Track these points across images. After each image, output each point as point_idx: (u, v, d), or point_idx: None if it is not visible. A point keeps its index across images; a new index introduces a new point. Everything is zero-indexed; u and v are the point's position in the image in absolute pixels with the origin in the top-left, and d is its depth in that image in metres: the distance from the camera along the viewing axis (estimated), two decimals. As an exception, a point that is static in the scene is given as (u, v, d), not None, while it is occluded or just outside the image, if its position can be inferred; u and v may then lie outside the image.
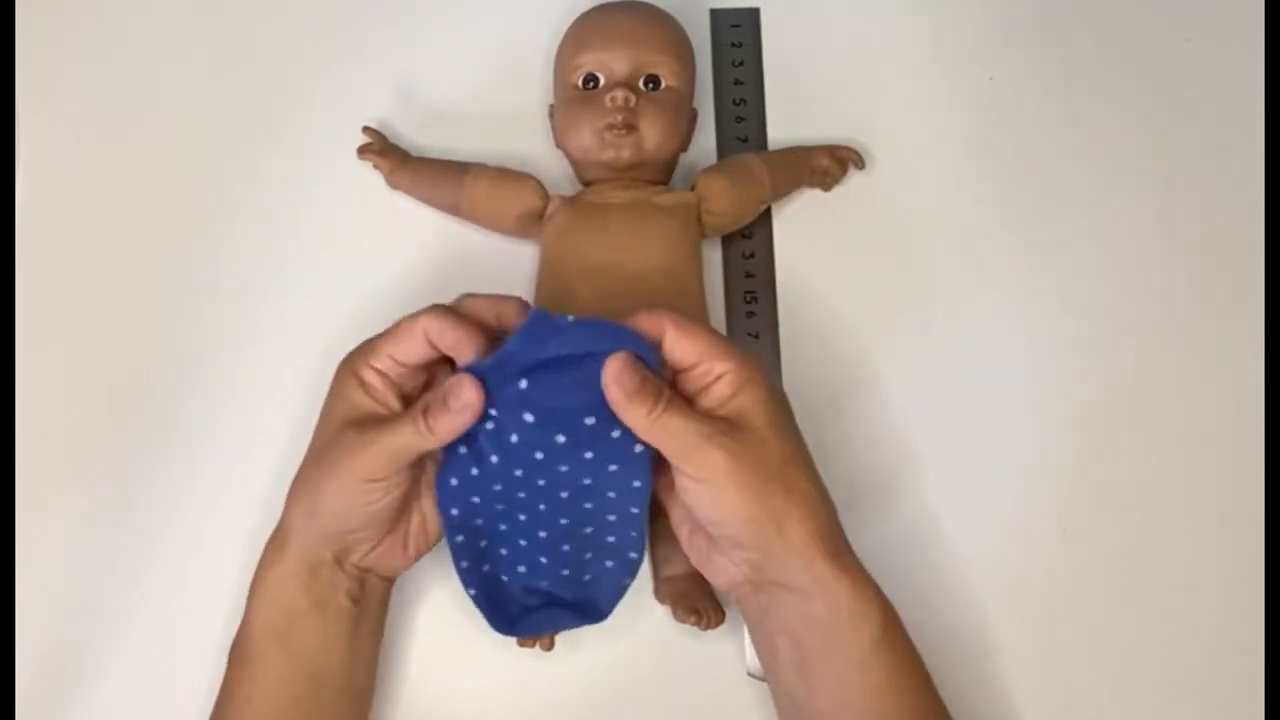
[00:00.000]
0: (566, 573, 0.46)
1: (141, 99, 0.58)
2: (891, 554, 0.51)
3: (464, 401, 0.41)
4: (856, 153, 0.55)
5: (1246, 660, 0.49)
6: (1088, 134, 0.58)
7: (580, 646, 0.49)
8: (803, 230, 0.56)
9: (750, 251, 0.55)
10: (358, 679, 0.46)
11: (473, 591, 0.46)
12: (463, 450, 0.43)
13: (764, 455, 0.41)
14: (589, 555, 0.46)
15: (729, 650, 0.49)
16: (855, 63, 0.59)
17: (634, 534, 0.45)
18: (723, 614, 0.47)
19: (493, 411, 0.41)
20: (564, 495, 0.43)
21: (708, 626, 0.47)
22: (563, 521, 0.44)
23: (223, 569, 0.50)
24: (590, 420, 0.41)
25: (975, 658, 0.50)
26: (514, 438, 0.42)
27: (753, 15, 0.59)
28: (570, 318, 0.41)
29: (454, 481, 0.44)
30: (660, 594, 0.49)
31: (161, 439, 0.52)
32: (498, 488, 0.44)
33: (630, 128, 0.50)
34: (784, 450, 0.42)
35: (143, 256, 0.55)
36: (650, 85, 0.51)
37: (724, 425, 0.41)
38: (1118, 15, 0.60)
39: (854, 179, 0.57)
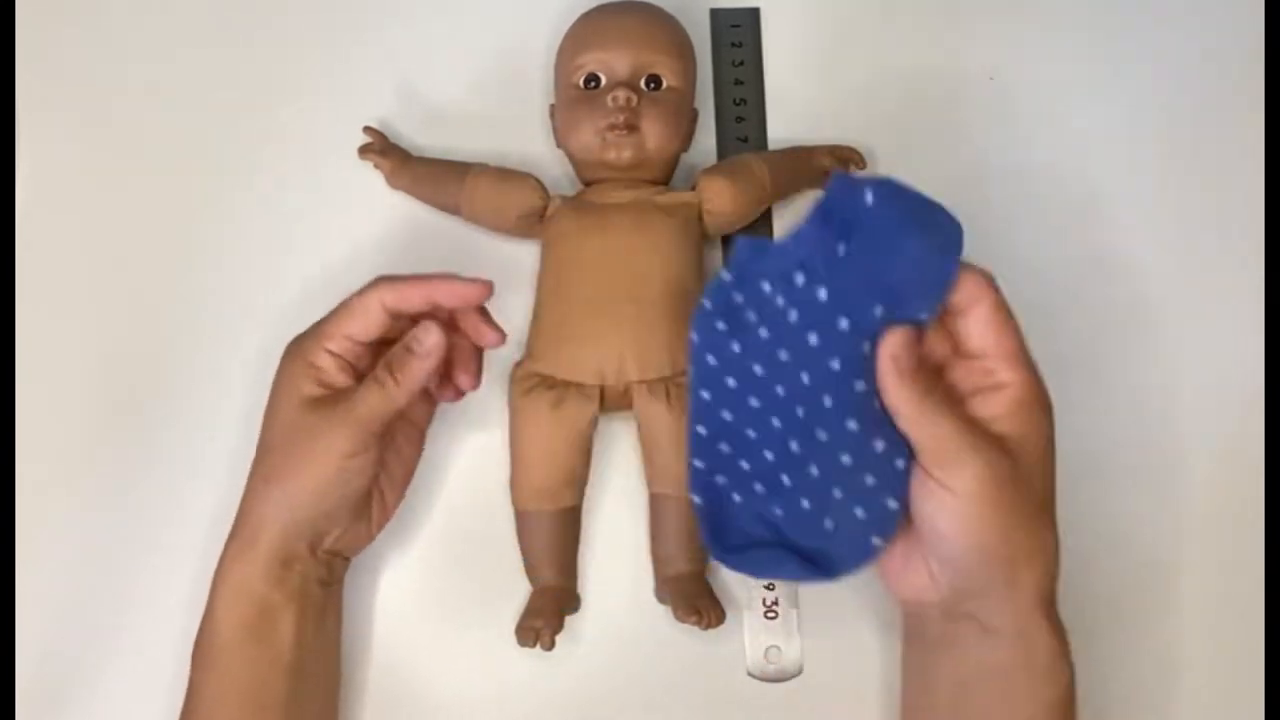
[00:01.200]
0: (808, 505, 0.40)
1: (141, 99, 0.58)
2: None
3: (428, 347, 0.43)
4: (858, 153, 0.55)
5: (1246, 660, 0.49)
6: (1087, 134, 0.58)
7: (580, 645, 0.49)
8: (803, 230, 0.56)
9: (750, 251, 0.55)
10: (329, 663, 0.46)
11: (698, 500, 0.42)
12: (721, 325, 0.40)
13: (1025, 489, 0.38)
14: (839, 494, 0.39)
15: (729, 650, 0.49)
16: (855, 63, 0.59)
17: (900, 475, 0.38)
18: (723, 614, 0.47)
19: (766, 286, 0.39)
20: (828, 403, 0.38)
21: (708, 626, 0.47)
22: (821, 436, 0.39)
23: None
24: (879, 311, 0.37)
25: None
26: (793, 314, 0.38)
27: (753, 15, 0.59)
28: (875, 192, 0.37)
29: (711, 360, 0.40)
30: (661, 593, 0.49)
31: (162, 439, 0.52)
32: (758, 370, 0.40)
33: (632, 128, 0.50)
34: (1046, 491, 0.39)
35: (143, 256, 0.55)
36: (652, 85, 0.51)
37: (993, 440, 0.38)
38: (1118, 14, 0.60)
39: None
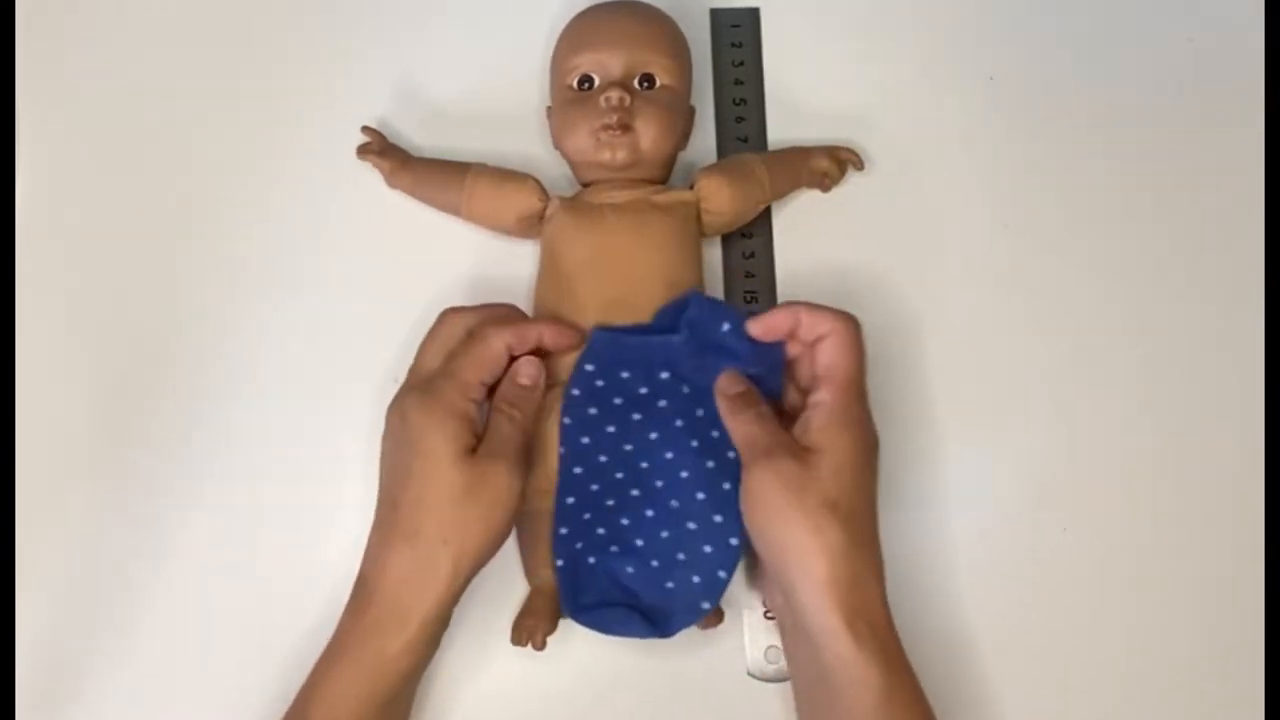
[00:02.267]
0: (656, 564, 0.45)
1: (141, 99, 0.58)
2: (891, 553, 0.51)
3: (535, 379, 0.46)
4: (856, 154, 0.55)
5: (1247, 660, 0.49)
6: (1088, 134, 0.58)
7: (580, 646, 0.49)
8: (803, 230, 0.56)
9: (750, 251, 0.55)
10: None
11: (560, 563, 0.46)
12: (593, 411, 0.47)
13: (815, 489, 0.41)
14: (682, 556, 0.45)
15: (729, 650, 0.49)
16: (855, 63, 0.59)
17: (731, 542, 0.45)
18: (721, 614, 0.47)
19: (625, 374, 0.47)
20: (684, 475, 0.46)
21: (706, 626, 0.47)
22: (674, 505, 0.45)
23: (224, 569, 0.50)
24: (685, 389, 0.47)
25: (975, 657, 0.50)
26: (662, 402, 0.47)
27: (753, 15, 0.59)
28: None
29: (584, 440, 0.47)
30: None
31: (162, 439, 0.52)
32: (627, 448, 0.47)
33: (625, 128, 0.49)
34: (842, 496, 0.42)
35: (143, 256, 0.55)
36: (645, 85, 0.51)
37: (795, 450, 0.42)
38: (1118, 15, 0.60)
39: (854, 179, 0.57)
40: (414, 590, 0.42)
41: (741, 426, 0.44)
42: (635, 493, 0.46)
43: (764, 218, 0.55)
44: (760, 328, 0.46)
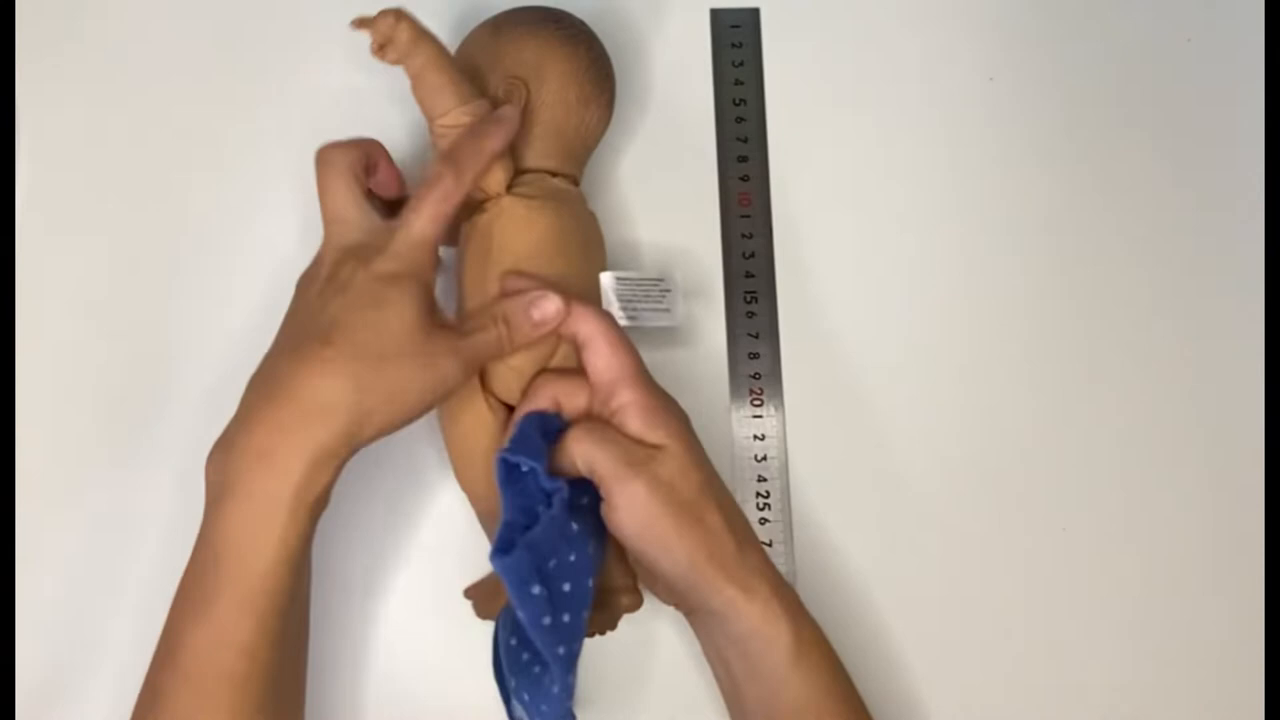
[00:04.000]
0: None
1: (141, 99, 0.58)
2: (892, 552, 0.51)
3: (549, 316, 0.44)
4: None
5: (1247, 660, 0.49)
6: (1087, 134, 0.58)
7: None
8: (803, 230, 0.56)
9: (750, 251, 0.55)
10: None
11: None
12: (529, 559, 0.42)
13: (675, 487, 0.42)
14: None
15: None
16: (855, 63, 0.59)
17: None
18: (640, 597, 0.47)
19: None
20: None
21: (628, 609, 0.47)
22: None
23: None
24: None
25: (974, 656, 0.50)
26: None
27: (753, 15, 0.59)
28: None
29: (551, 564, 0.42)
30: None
31: (162, 439, 0.52)
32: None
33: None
34: (695, 483, 0.42)
35: (143, 256, 0.55)
36: None
37: (648, 454, 0.42)
38: (1118, 16, 0.60)
39: (854, 179, 0.57)
40: (329, 422, 0.40)
41: (591, 450, 0.42)
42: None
43: (764, 217, 0.55)
44: (539, 312, 0.44)
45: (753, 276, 0.55)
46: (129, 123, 0.57)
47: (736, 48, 0.59)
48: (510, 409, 0.47)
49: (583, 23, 0.52)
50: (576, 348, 0.45)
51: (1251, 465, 0.52)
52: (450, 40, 0.53)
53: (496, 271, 0.47)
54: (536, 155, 0.49)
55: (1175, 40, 0.60)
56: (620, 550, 0.47)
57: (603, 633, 0.47)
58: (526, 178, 0.49)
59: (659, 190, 0.55)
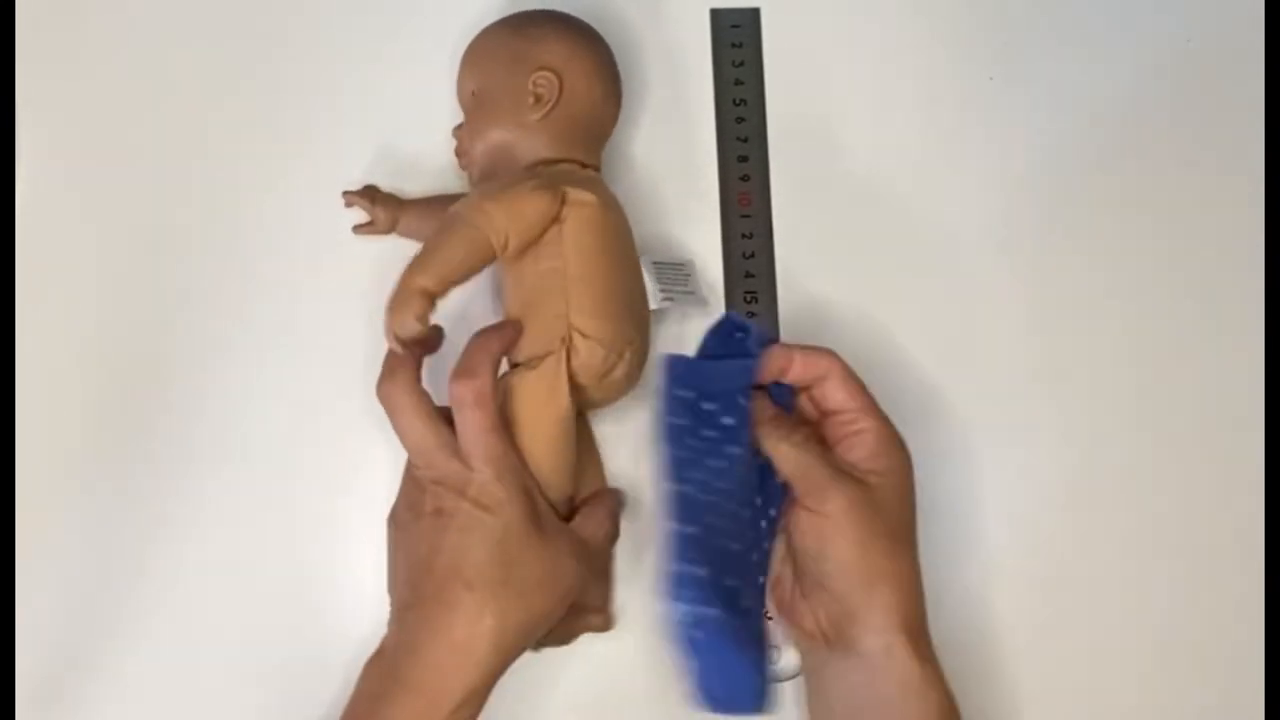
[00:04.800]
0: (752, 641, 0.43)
1: (142, 99, 0.57)
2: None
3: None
4: None
5: (1247, 660, 0.49)
6: (1088, 134, 0.58)
7: (579, 646, 0.49)
8: (803, 230, 0.56)
9: (750, 251, 0.55)
10: None
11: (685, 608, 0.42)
12: (682, 422, 0.44)
13: (883, 515, 0.42)
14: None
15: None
16: (855, 63, 0.59)
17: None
18: (612, 619, 0.49)
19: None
20: (758, 501, 0.44)
21: (600, 629, 0.48)
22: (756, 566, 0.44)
23: (223, 569, 0.50)
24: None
25: (979, 655, 0.50)
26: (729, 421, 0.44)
27: (753, 15, 0.59)
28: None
29: (675, 450, 0.44)
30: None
31: (162, 439, 0.52)
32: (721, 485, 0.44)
33: (463, 154, 0.52)
34: (903, 521, 0.43)
35: (143, 257, 0.55)
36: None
37: (856, 474, 0.43)
38: (1118, 16, 0.60)
39: (854, 179, 0.57)
40: (451, 670, 0.41)
41: (793, 451, 0.43)
42: (735, 546, 0.44)
43: (764, 217, 0.55)
44: (775, 359, 0.45)
45: (753, 276, 0.55)
46: (129, 123, 0.57)
47: (736, 48, 0.59)
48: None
49: (590, 27, 0.54)
50: (807, 386, 0.46)
51: (1252, 465, 0.52)
52: (457, 43, 0.53)
53: (558, 289, 0.46)
54: (568, 146, 0.50)
55: (1175, 41, 0.60)
56: (603, 570, 0.48)
57: (558, 645, 0.48)
58: (562, 167, 0.50)
59: (659, 190, 0.55)
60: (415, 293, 0.43)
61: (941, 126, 0.58)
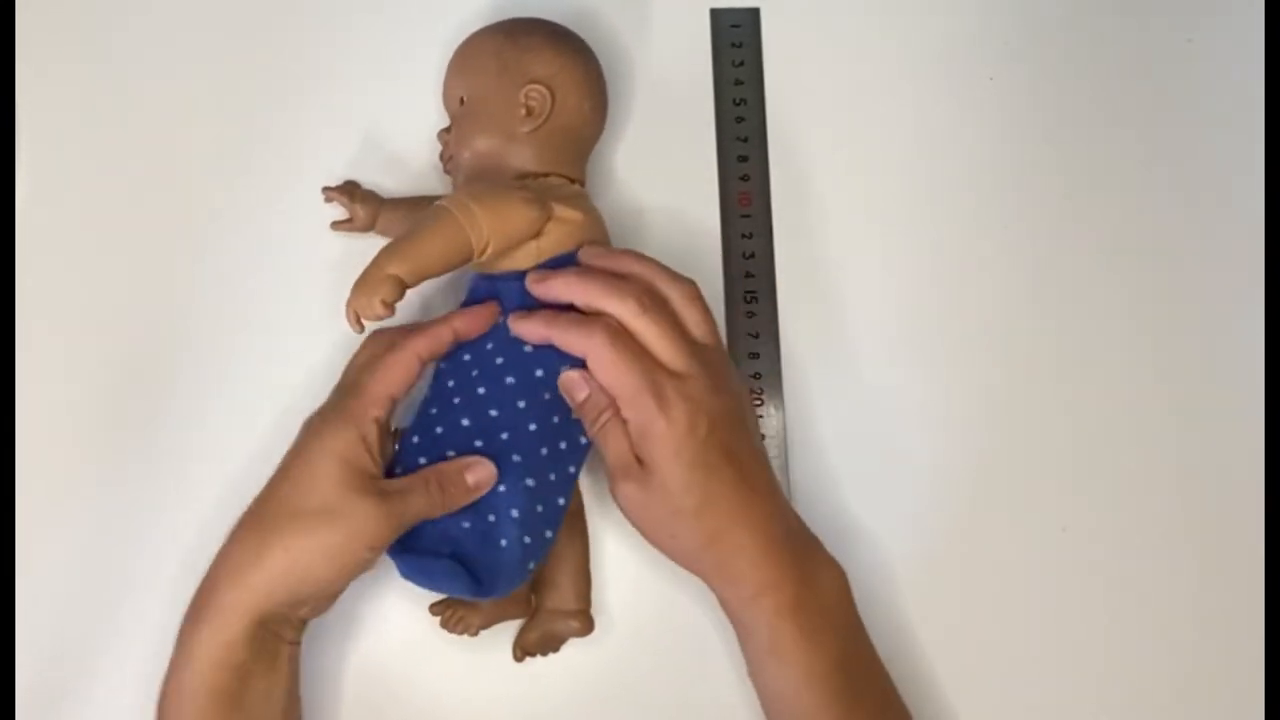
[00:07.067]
0: (492, 519, 0.44)
1: (142, 99, 0.57)
2: (891, 552, 0.51)
3: (482, 481, 0.43)
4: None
5: (1246, 660, 0.49)
6: (1088, 134, 0.58)
7: (579, 645, 0.49)
8: (803, 230, 0.56)
9: (750, 251, 0.55)
10: (295, 713, 0.45)
11: None
12: (466, 356, 0.46)
13: (654, 505, 0.43)
14: (515, 513, 0.44)
15: (729, 650, 0.49)
16: (855, 63, 0.59)
17: (559, 502, 0.45)
18: (591, 623, 0.49)
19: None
20: (520, 405, 0.45)
21: (577, 634, 0.48)
22: (515, 459, 0.44)
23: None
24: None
25: (974, 656, 0.50)
26: (499, 359, 0.46)
27: (753, 15, 0.59)
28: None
29: (450, 383, 0.46)
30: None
31: (161, 439, 0.52)
32: (480, 390, 0.45)
33: (449, 158, 0.51)
34: (681, 500, 0.43)
35: (144, 256, 0.55)
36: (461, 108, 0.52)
37: (632, 469, 0.43)
38: (1118, 16, 0.60)
39: (854, 179, 0.57)
40: (245, 581, 0.41)
41: (596, 439, 0.45)
42: (479, 443, 0.44)
43: (764, 217, 0.55)
44: (524, 331, 0.45)
45: (753, 276, 0.55)
46: (129, 123, 0.57)
47: (736, 48, 0.59)
48: None
49: (581, 39, 0.53)
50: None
51: (1252, 464, 0.52)
52: (442, 41, 0.53)
53: None
54: (555, 160, 0.50)
55: (1175, 40, 0.60)
56: (577, 573, 0.48)
57: (544, 654, 0.48)
58: (550, 180, 0.49)
59: (658, 190, 0.55)
60: (387, 278, 0.43)
61: (942, 126, 0.58)
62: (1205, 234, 0.56)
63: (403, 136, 0.56)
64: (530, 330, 0.45)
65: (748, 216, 0.56)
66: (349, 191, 0.54)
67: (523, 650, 0.49)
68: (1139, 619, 0.51)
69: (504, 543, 0.43)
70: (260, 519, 0.42)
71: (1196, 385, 0.54)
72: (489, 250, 0.45)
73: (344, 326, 0.51)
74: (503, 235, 0.45)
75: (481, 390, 0.45)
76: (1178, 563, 0.52)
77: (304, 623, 0.44)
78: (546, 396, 0.45)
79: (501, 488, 0.44)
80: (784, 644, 0.43)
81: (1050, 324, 0.55)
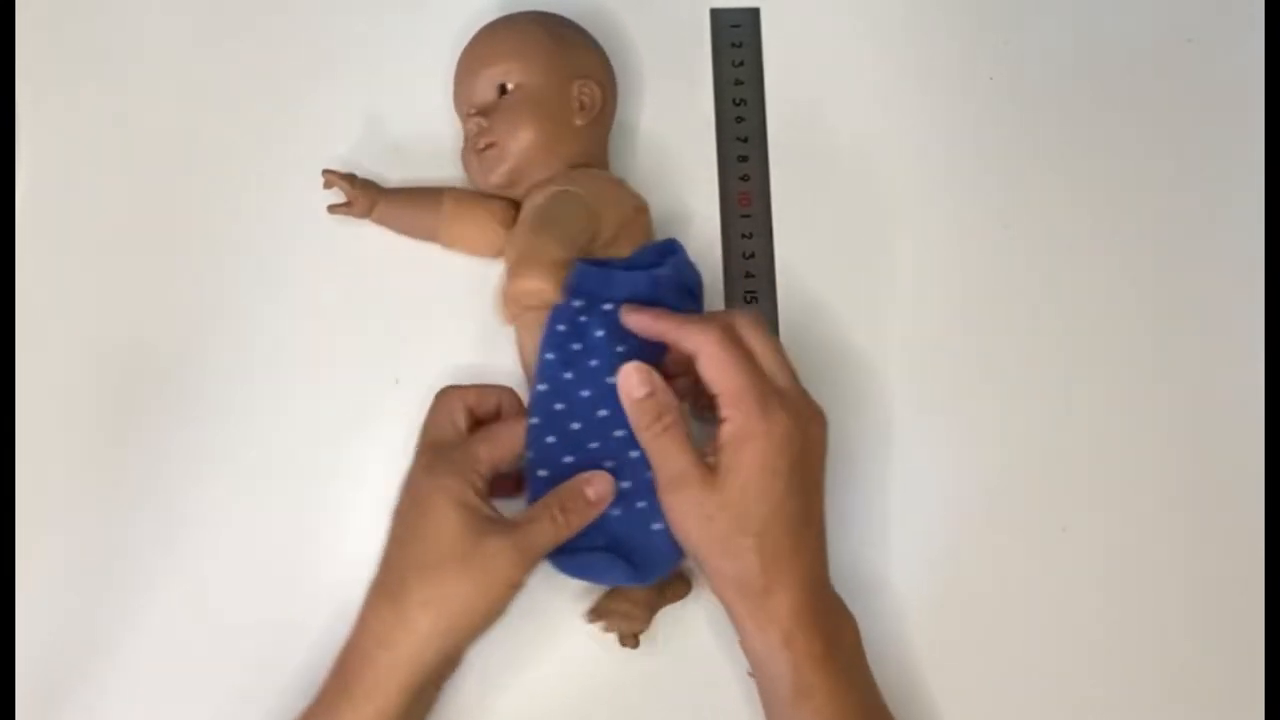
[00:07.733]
0: (642, 505, 0.44)
1: (141, 99, 0.58)
2: (891, 552, 0.51)
3: (602, 495, 0.44)
4: None
5: (1246, 660, 0.49)
6: (1087, 134, 0.58)
7: (580, 645, 0.49)
8: (803, 230, 0.56)
9: (750, 251, 0.55)
10: None
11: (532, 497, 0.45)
12: (576, 346, 0.46)
13: (720, 519, 0.42)
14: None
15: (729, 650, 0.49)
16: (855, 62, 0.59)
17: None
18: (689, 584, 0.48)
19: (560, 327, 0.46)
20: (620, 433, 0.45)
21: (673, 599, 0.48)
22: (633, 454, 0.44)
23: (225, 569, 0.50)
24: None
25: (974, 656, 0.50)
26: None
27: (753, 15, 0.59)
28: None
29: (568, 375, 0.46)
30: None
31: (162, 439, 0.52)
32: (594, 363, 0.45)
33: (489, 145, 0.51)
34: (746, 517, 0.42)
35: (144, 255, 0.55)
36: (505, 95, 0.52)
37: (700, 473, 0.42)
38: (1118, 16, 0.60)
39: (854, 179, 0.57)
40: (389, 654, 0.41)
41: (649, 443, 0.44)
42: (619, 433, 0.45)
43: (764, 217, 0.55)
44: (635, 323, 0.45)
45: (753, 276, 0.55)
46: (129, 123, 0.57)
47: (736, 48, 0.59)
48: None
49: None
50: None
51: (1252, 464, 0.52)
52: (459, 34, 0.53)
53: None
54: (596, 153, 0.53)
55: (1175, 40, 0.60)
56: None
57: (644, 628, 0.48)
58: (592, 170, 0.52)
59: (659, 190, 0.55)
60: (553, 262, 0.46)
61: (941, 126, 0.58)
62: (1205, 234, 0.56)
63: (403, 127, 0.56)
64: (641, 322, 0.45)
65: (748, 216, 0.56)
66: (349, 179, 0.54)
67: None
68: (1139, 620, 0.51)
69: (656, 526, 0.44)
70: (391, 582, 0.43)
71: (1197, 385, 0.54)
72: (601, 237, 0.48)
73: (348, 319, 0.52)
74: (612, 222, 0.49)
75: (586, 393, 0.46)
76: (1178, 563, 0.52)
77: (444, 679, 0.45)
78: None
79: (649, 474, 0.44)
80: (814, 692, 0.42)
81: (1050, 324, 0.55)
